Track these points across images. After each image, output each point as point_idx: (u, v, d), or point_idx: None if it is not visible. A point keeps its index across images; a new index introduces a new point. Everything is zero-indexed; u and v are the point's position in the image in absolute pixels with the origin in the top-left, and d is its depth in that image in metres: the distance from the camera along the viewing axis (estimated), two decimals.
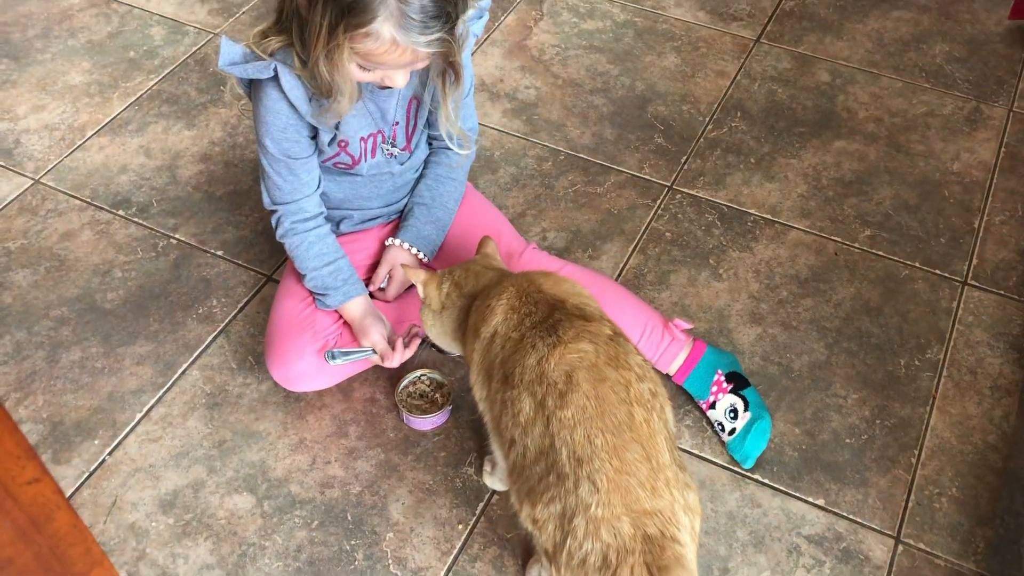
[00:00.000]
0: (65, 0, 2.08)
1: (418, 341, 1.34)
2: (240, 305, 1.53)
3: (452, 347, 1.26)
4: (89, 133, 1.80)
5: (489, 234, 1.46)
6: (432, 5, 1.06)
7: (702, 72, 1.96)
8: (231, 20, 2.04)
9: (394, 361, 1.33)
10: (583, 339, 1.01)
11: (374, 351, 1.33)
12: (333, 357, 1.31)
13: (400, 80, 1.16)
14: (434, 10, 1.06)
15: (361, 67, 1.13)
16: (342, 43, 1.07)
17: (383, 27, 1.05)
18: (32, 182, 1.71)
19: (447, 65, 1.19)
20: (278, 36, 1.18)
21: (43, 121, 1.81)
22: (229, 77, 1.24)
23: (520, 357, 1.03)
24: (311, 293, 1.37)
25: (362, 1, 1.04)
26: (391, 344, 1.33)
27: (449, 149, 1.41)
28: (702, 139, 1.82)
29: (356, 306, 1.35)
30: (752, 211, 1.69)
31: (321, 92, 1.17)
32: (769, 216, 1.68)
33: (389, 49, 1.08)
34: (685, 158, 1.78)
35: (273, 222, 1.35)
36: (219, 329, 1.49)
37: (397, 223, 1.48)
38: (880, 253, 1.63)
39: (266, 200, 1.34)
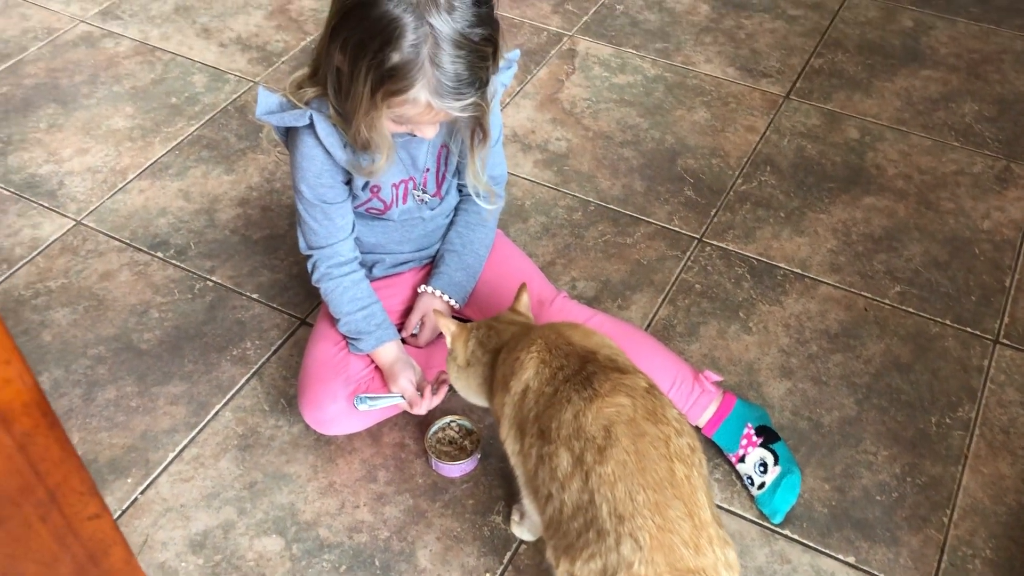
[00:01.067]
0: (112, 48, 2.14)
1: (445, 388, 1.36)
2: (274, 348, 1.55)
3: (477, 400, 1.27)
4: (130, 176, 1.84)
5: (519, 281, 1.48)
6: (467, 73, 1.09)
7: (732, 127, 1.98)
8: (270, 69, 2.10)
9: (422, 408, 1.34)
10: (620, 392, 1.02)
11: (403, 397, 1.34)
12: (361, 402, 1.33)
13: (430, 132, 1.21)
14: (468, 77, 1.10)
15: (394, 122, 1.17)
16: (380, 107, 1.12)
17: (420, 93, 1.09)
18: (74, 223, 1.75)
19: (476, 125, 1.23)
20: (313, 87, 1.22)
21: (86, 164, 1.86)
22: (266, 125, 1.28)
23: (556, 411, 1.03)
24: (344, 337, 1.39)
25: (401, 69, 1.07)
26: (420, 390, 1.35)
27: (479, 197, 1.43)
28: (732, 192, 1.84)
29: (388, 351, 1.37)
30: (782, 265, 1.70)
31: (357, 145, 1.20)
32: (799, 270, 1.69)
33: (424, 112, 1.12)
34: (715, 211, 1.80)
35: (309, 267, 1.37)
36: (252, 371, 1.51)
37: (429, 268, 1.50)
38: (910, 310, 1.63)
39: (302, 244, 1.36)
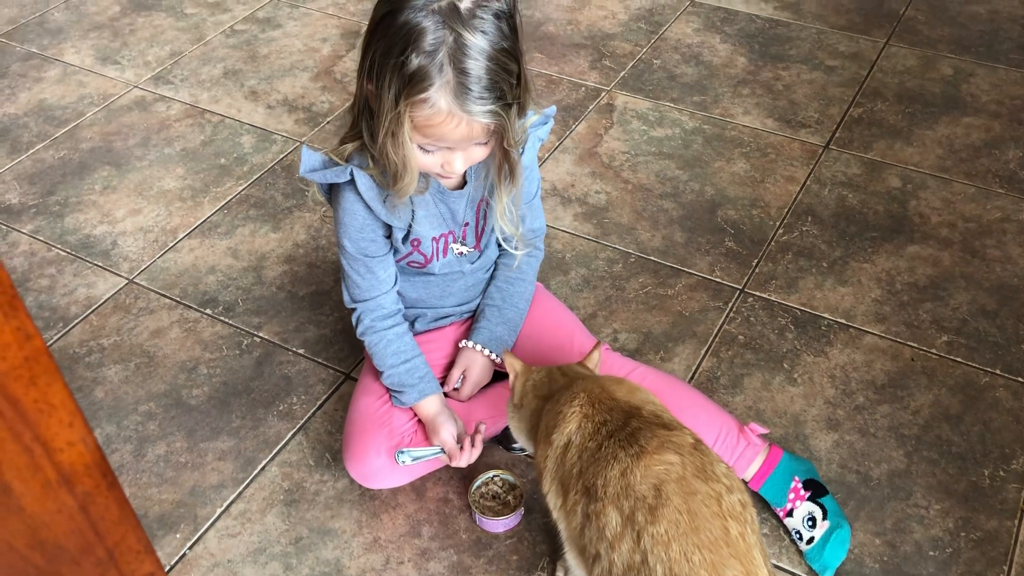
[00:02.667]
0: (163, 112, 2.22)
1: (482, 440, 1.37)
2: (319, 402, 1.57)
3: (526, 444, 1.27)
4: (181, 235, 1.89)
5: (560, 334, 1.49)
6: (487, 77, 1.12)
7: (771, 178, 1.99)
8: (316, 129, 2.15)
9: (462, 461, 1.35)
10: (668, 449, 1.01)
11: (443, 450, 1.35)
12: (402, 456, 1.34)
13: (459, 165, 1.21)
14: (488, 82, 1.12)
15: (423, 148, 1.19)
16: (403, 112, 1.13)
17: (439, 95, 1.11)
18: (126, 282, 1.80)
19: (503, 158, 1.24)
20: (353, 140, 1.26)
21: (139, 224, 1.92)
22: (311, 184, 1.31)
23: (601, 468, 1.03)
24: (387, 390, 1.40)
25: (422, 70, 1.10)
26: (461, 444, 1.35)
27: (517, 251, 1.45)
28: (773, 243, 1.83)
29: (430, 404, 1.38)
30: (826, 315, 1.69)
31: (389, 177, 1.22)
32: (843, 320, 1.68)
33: (446, 119, 1.13)
34: (756, 261, 1.80)
35: (353, 320, 1.40)
36: (298, 426, 1.53)
37: (470, 323, 1.51)
38: (958, 359, 1.60)
39: (346, 298, 1.39)
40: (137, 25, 2.53)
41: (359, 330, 1.40)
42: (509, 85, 1.15)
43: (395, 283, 1.39)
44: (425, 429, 1.39)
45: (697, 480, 0.99)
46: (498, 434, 1.42)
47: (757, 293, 1.74)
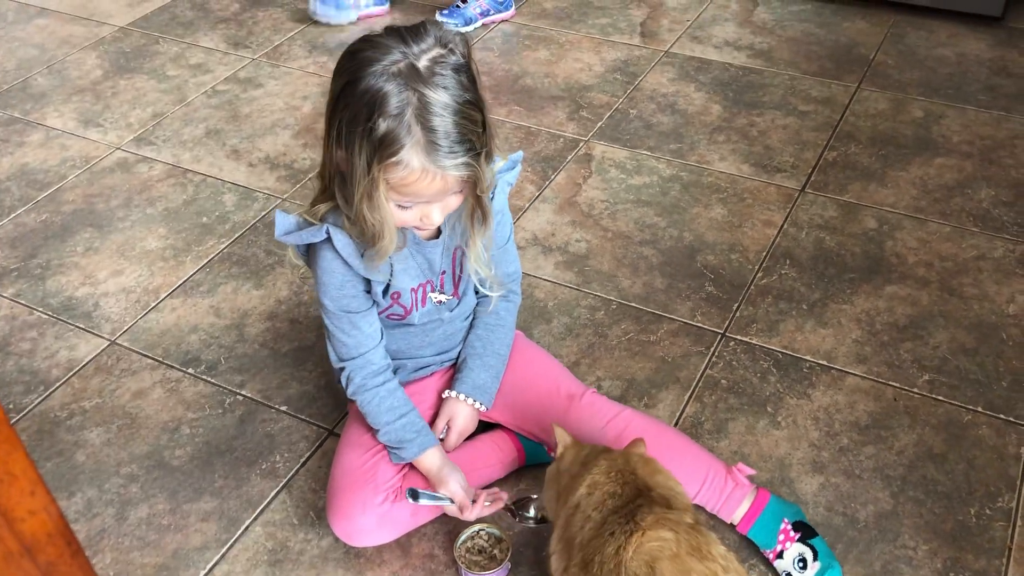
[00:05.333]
0: (146, 172, 2.23)
1: (500, 504, 1.37)
2: (302, 460, 1.56)
3: (553, 510, 1.26)
4: (163, 295, 1.89)
5: (547, 382, 1.50)
6: (455, 131, 1.14)
7: (749, 222, 2.01)
8: (297, 186, 2.17)
9: (471, 514, 1.36)
10: (663, 526, 1.01)
11: (451, 501, 1.35)
12: (415, 496, 1.34)
13: (436, 216, 1.23)
14: (457, 136, 1.14)
15: (400, 206, 1.20)
16: (377, 177, 1.15)
17: (411, 155, 1.13)
18: (108, 343, 1.79)
19: (476, 203, 1.26)
20: (325, 200, 1.28)
21: (121, 285, 1.92)
22: (287, 247, 1.32)
23: (600, 544, 1.03)
24: (386, 447, 1.40)
25: (391, 134, 1.12)
26: (470, 496, 1.36)
27: (497, 297, 1.47)
28: (753, 287, 1.85)
29: (432, 457, 1.38)
30: (807, 357, 1.69)
31: (367, 238, 1.23)
32: (825, 362, 1.68)
33: (420, 176, 1.15)
34: (737, 305, 1.81)
35: (343, 380, 1.39)
36: (281, 484, 1.52)
37: (450, 372, 1.52)
38: (940, 398, 1.61)
39: (333, 358, 1.39)
40: (119, 88, 2.55)
41: (350, 390, 1.39)
42: (476, 135, 1.17)
43: (381, 338, 1.39)
44: (423, 479, 1.39)
45: (692, 559, 0.98)
46: (510, 504, 1.42)
47: (738, 337, 1.74)
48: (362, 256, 1.28)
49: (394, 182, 1.16)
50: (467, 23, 2.72)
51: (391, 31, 1.17)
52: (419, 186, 1.16)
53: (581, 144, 2.27)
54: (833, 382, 1.65)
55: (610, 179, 2.15)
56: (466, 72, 1.17)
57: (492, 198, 1.32)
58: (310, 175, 2.20)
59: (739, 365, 1.69)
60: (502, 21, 2.76)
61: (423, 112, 1.12)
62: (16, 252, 2.01)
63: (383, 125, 1.12)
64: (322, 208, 1.27)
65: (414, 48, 1.14)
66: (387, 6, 2.83)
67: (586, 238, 1.99)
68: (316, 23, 2.80)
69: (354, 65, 1.15)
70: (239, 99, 2.48)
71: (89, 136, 2.37)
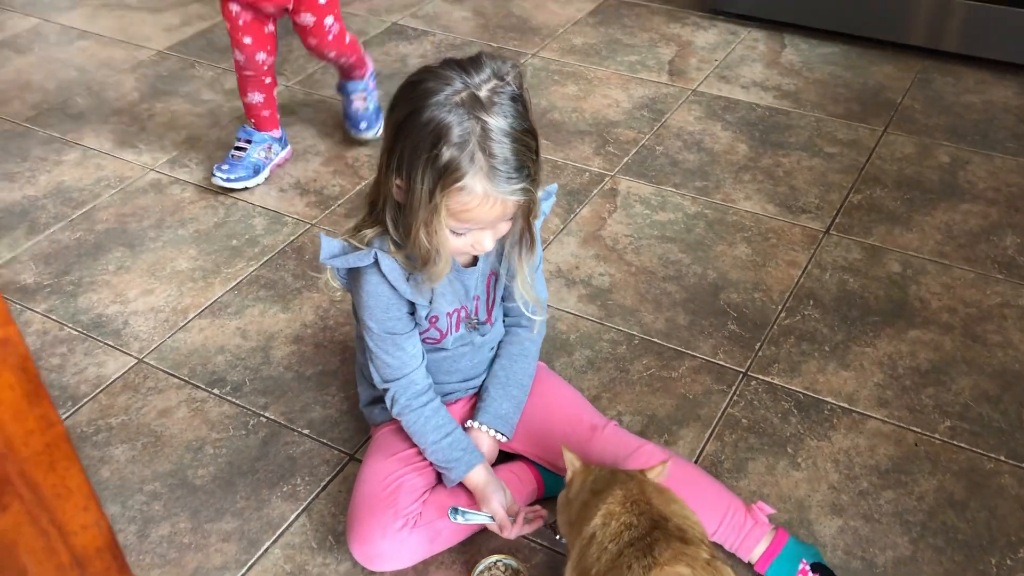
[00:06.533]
0: (178, 194, 2.27)
1: (540, 522, 1.38)
2: (323, 484, 1.57)
3: (568, 538, 1.27)
4: (191, 315, 1.92)
5: (569, 413, 1.52)
6: (514, 158, 1.19)
7: (773, 262, 2.02)
8: (327, 212, 2.20)
9: (512, 533, 1.38)
10: (680, 562, 1.02)
11: (493, 519, 1.38)
12: (455, 514, 1.37)
13: (488, 243, 1.27)
14: (516, 162, 1.19)
15: (455, 233, 1.24)
16: (439, 203, 1.19)
17: (474, 181, 1.17)
18: (136, 361, 1.82)
19: (526, 227, 1.30)
20: (371, 226, 1.31)
21: (150, 304, 1.95)
22: (324, 270, 1.36)
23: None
24: (435, 466, 1.43)
25: (454, 161, 1.16)
26: (510, 514, 1.38)
27: (520, 327, 1.51)
28: (775, 326, 1.85)
29: (478, 474, 1.41)
30: (828, 399, 1.70)
31: (417, 263, 1.27)
32: (846, 405, 1.68)
33: (481, 202, 1.19)
34: (759, 345, 1.81)
35: (388, 401, 1.42)
36: (302, 507, 1.53)
37: (473, 400, 1.53)
38: (962, 445, 1.60)
39: (377, 379, 1.42)
40: (155, 111, 2.61)
41: (395, 410, 1.42)
42: (532, 161, 1.22)
43: (423, 358, 1.42)
44: (471, 498, 1.42)
45: None
46: (550, 522, 1.43)
47: (760, 376, 1.75)
48: (407, 280, 1.31)
49: (455, 208, 1.20)
50: (256, 172, 2.27)
51: (449, 62, 1.22)
52: (479, 212, 1.20)
53: (607, 179, 2.29)
54: (854, 425, 1.65)
55: (635, 214, 2.17)
56: (521, 102, 1.22)
57: None
58: (339, 202, 2.23)
59: (760, 405, 1.69)
60: (284, 162, 2.36)
61: (485, 140, 1.17)
62: (50, 268, 2.05)
63: (447, 153, 1.16)
64: (369, 233, 1.31)
65: (474, 78, 1.19)
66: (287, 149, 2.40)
67: (610, 272, 2.01)
68: None
69: (416, 95, 1.20)
70: None
71: (124, 157, 2.41)
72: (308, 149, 2.43)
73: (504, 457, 1.53)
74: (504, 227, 1.28)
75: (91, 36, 3.01)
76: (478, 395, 1.53)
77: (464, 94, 1.18)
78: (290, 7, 2.10)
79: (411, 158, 1.19)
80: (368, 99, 2.40)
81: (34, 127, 2.55)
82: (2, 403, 0.42)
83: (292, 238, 2.12)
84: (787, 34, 2.86)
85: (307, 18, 2.13)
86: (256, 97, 2.23)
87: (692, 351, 1.81)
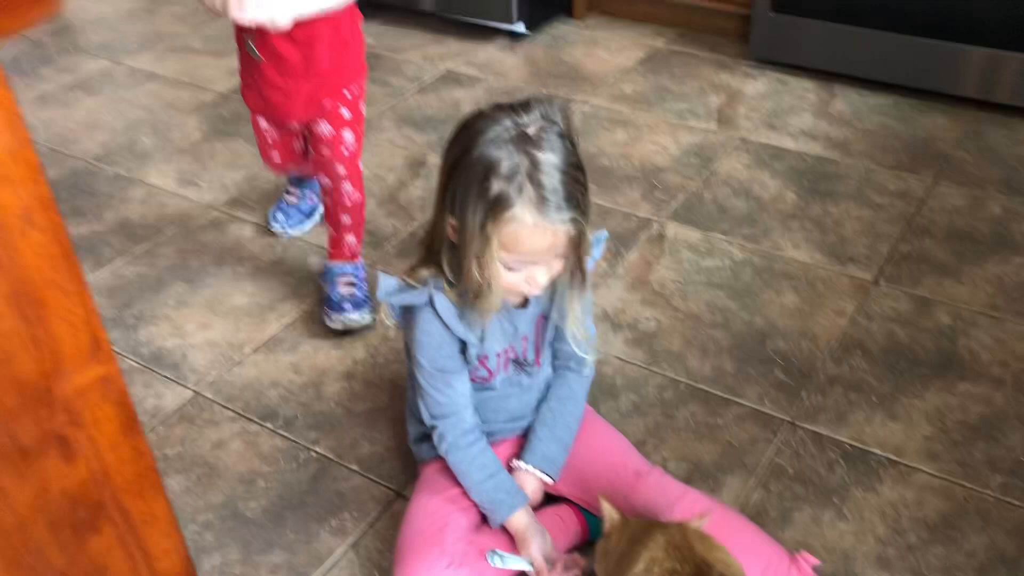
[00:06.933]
0: (237, 232, 2.35)
1: (577, 570, 1.39)
2: (371, 520, 1.60)
3: None
4: (247, 350, 1.97)
5: (614, 457, 1.53)
6: (563, 189, 1.23)
7: (820, 310, 2.02)
8: (379, 251, 2.25)
9: None
10: None
11: (531, 564, 1.39)
12: (493, 557, 1.38)
13: (542, 278, 1.30)
14: (565, 193, 1.23)
15: (508, 267, 1.27)
16: (490, 234, 1.24)
17: (523, 211, 1.22)
18: (193, 394, 1.87)
19: (577, 264, 1.33)
20: (427, 267, 1.37)
21: (208, 338, 2.01)
22: (383, 306, 1.41)
23: None
24: (478, 506, 1.45)
25: (504, 193, 1.22)
26: (549, 560, 1.40)
27: (568, 370, 1.53)
28: (822, 375, 1.85)
29: (520, 518, 1.43)
30: (876, 450, 1.69)
31: (469, 298, 1.32)
32: (894, 456, 1.67)
33: (531, 232, 1.23)
34: (806, 393, 1.81)
35: (436, 438, 1.45)
36: (350, 542, 1.56)
37: (519, 442, 1.55)
38: (1015, 502, 1.58)
39: (426, 416, 1.45)
40: (216, 150, 2.70)
41: (443, 448, 1.45)
42: (581, 193, 1.26)
43: (472, 398, 1.45)
44: (512, 542, 1.43)
45: None
46: (589, 569, 1.44)
47: (806, 425, 1.75)
48: (459, 319, 1.35)
49: (506, 239, 1.24)
50: (308, 216, 2.33)
51: (500, 105, 1.28)
52: (530, 242, 1.24)
53: (654, 224, 2.32)
54: (902, 477, 1.63)
55: (682, 260, 2.19)
56: (569, 139, 1.27)
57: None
58: (392, 241, 2.28)
59: (806, 454, 1.69)
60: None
61: (534, 172, 1.21)
62: (113, 301, 2.12)
63: (496, 185, 1.21)
64: (424, 273, 1.36)
65: (523, 118, 1.25)
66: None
67: (656, 317, 2.02)
68: (404, 97, 2.93)
69: (467, 135, 1.26)
70: None
71: (187, 195, 2.50)
72: (365, 189, 2.49)
73: (549, 499, 1.54)
74: (557, 265, 1.32)
75: (158, 78, 3.13)
76: (525, 436, 1.55)
77: (513, 132, 1.23)
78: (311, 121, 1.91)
79: (463, 195, 1.24)
80: (357, 287, 2.02)
81: (102, 165, 2.65)
82: (101, 434, 0.45)
83: None
84: (837, 84, 2.88)
85: (324, 128, 1.90)
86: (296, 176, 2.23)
87: (738, 398, 1.81)
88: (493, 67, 3.11)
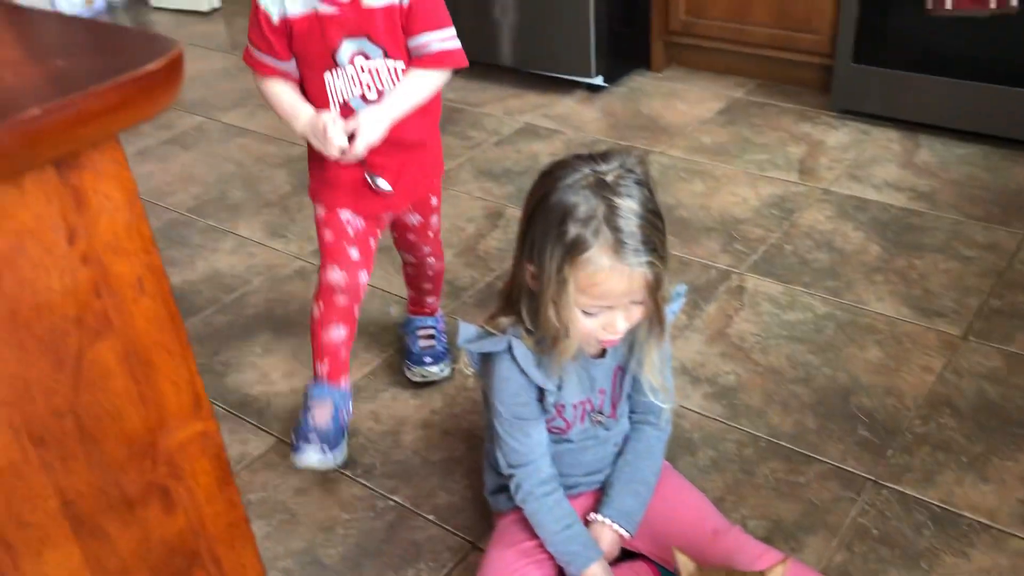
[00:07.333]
0: None
1: None
2: (446, 571, 1.60)
3: None
4: None
5: (692, 514, 1.51)
6: (640, 233, 1.24)
7: (907, 366, 1.97)
8: (457, 301, 2.29)
9: None
10: None
11: None
12: None
13: (621, 324, 1.30)
14: (642, 237, 1.24)
15: (586, 312, 1.28)
16: (567, 277, 1.25)
17: (600, 254, 1.23)
18: (276, 440, 1.92)
19: (655, 310, 1.33)
20: (506, 315, 1.39)
21: (292, 386, 2.06)
22: (462, 353, 1.43)
23: None
24: (554, 556, 1.45)
25: (580, 236, 1.23)
26: None
27: (646, 424, 1.52)
28: (909, 434, 1.80)
29: (595, 571, 1.43)
30: (966, 514, 1.63)
31: (547, 345, 1.33)
32: (986, 521, 1.61)
33: (608, 275, 1.24)
34: (891, 452, 1.76)
35: (512, 487, 1.46)
36: None
37: (596, 496, 1.55)
38: None
39: (503, 464, 1.46)
40: (304, 203, 2.79)
41: (519, 497, 1.46)
42: (659, 240, 1.27)
43: (549, 447, 1.45)
44: None
45: None
46: None
47: (892, 485, 1.69)
48: (537, 366, 1.36)
49: (583, 283, 1.25)
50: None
51: (579, 155, 1.31)
52: (607, 285, 1.25)
53: (734, 276, 2.30)
54: (995, 543, 1.57)
55: (762, 313, 2.17)
56: (647, 187, 1.29)
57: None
58: (469, 292, 2.32)
59: (892, 515, 1.64)
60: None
61: (611, 216, 1.23)
62: (203, 349, 2.20)
63: (573, 229, 1.23)
64: (503, 321, 1.39)
65: (602, 166, 1.27)
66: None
67: (736, 371, 2.00)
68: (483, 150, 2.99)
69: (547, 183, 1.29)
70: None
71: (274, 246, 2.59)
72: (443, 242, 2.54)
73: (625, 555, 1.53)
74: (636, 312, 1.32)
75: (249, 133, 3.26)
76: (602, 489, 1.55)
77: (592, 178, 1.26)
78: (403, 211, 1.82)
79: (541, 240, 1.27)
80: (436, 339, 2.04)
81: (195, 216, 2.77)
82: (199, 486, 0.48)
83: None
84: (922, 134, 2.83)
85: (413, 218, 1.85)
86: (339, 332, 1.74)
87: (820, 456, 1.77)
88: (571, 120, 3.15)
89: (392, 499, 1.76)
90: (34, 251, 0.50)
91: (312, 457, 1.66)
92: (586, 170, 1.27)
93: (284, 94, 1.63)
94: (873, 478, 1.71)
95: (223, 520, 0.52)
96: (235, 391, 2.07)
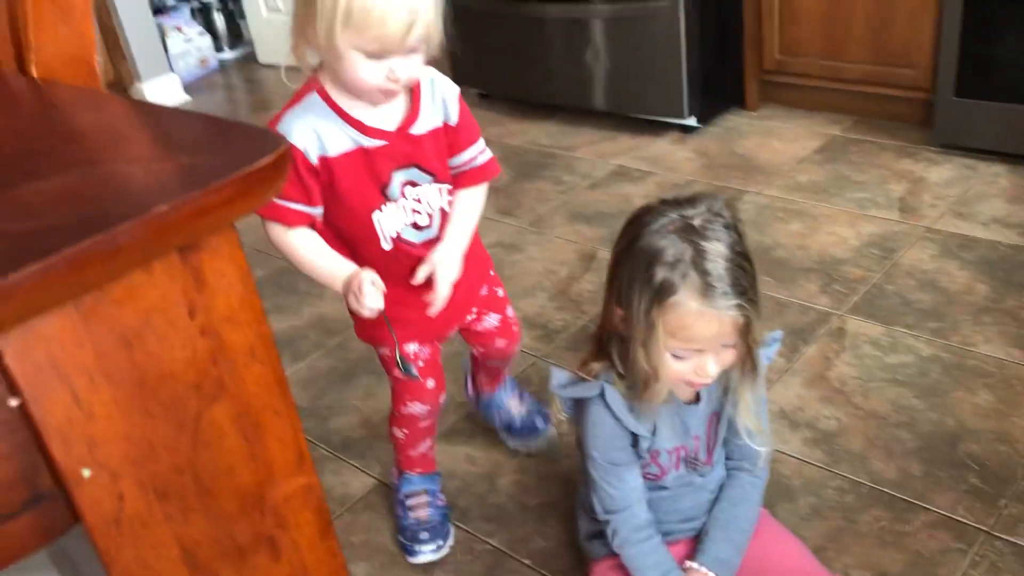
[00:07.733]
0: None
1: None
2: None
3: None
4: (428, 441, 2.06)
5: (791, 564, 1.48)
6: (728, 276, 1.24)
7: (1019, 411, 1.89)
8: (550, 345, 2.32)
9: None
10: None
11: None
12: None
13: (712, 368, 1.30)
14: (731, 279, 1.24)
15: (676, 356, 1.28)
16: (656, 321, 1.26)
17: (688, 297, 1.24)
18: (377, 482, 1.97)
19: (747, 353, 1.32)
20: (598, 360, 1.40)
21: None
22: (554, 399, 1.45)
23: None
24: None
25: (668, 280, 1.24)
26: None
27: (742, 471, 1.51)
28: (1023, 482, 1.73)
29: None
30: None
31: (638, 389, 1.33)
32: None
33: (697, 318, 1.24)
34: (1004, 502, 1.69)
35: (608, 533, 1.47)
36: None
37: (691, 544, 1.54)
38: None
39: (599, 509, 1.47)
40: None
41: (616, 542, 1.47)
42: (749, 282, 1.27)
43: (645, 493, 1.46)
44: None
45: None
46: None
47: (1005, 536, 1.63)
48: (630, 412, 1.38)
49: (672, 326, 1.26)
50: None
51: (665, 200, 1.33)
52: (696, 329, 1.26)
53: (833, 318, 2.26)
54: None
55: (863, 355, 2.12)
56: (735, 230, 1.29)
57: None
58: (562, 335, 2.34)
59: (1006, 568, 1.57)
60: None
61: (698, 259, 1.24)
62: (307, 392, 2.29)
63: (661, 273, 1.25)
64: (595, 366, 1.40)
65: (689, 211, 1.29)
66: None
67: (836, 416, 1.96)
68: (576, 193, 3.03)
69: (634, 228, 1.32)
70: (503, 262, 2.71)
71: None
72: (535, 285, 2.58)
73: None
74: (727, 355, 1.32)
75: None
76: (698, 537, 1.54)
77: (679, 223, 1.27)
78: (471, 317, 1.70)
79: (628, 284, 1.29)
80: (523, 399, 1.98)
81: None
82: (303, 536, 0.52)
83: (521, 369, 2.24)
84: None
85: (491, 320, 1.71)
86: (427, 444, 1.81)
87: (927, 504, 1.72)
88: (664, 161, 3.16)
89: (489, 543, 1.78)
90: (160, 326, 0.56)
91: (429, 557, 1.75)
92: (673, 215, 1.28)
93: (317, 247, 1.42)
94: (986, 528, 1.65)
95: (324, 568, 0.55)
96: (338, 434, 2.14)
